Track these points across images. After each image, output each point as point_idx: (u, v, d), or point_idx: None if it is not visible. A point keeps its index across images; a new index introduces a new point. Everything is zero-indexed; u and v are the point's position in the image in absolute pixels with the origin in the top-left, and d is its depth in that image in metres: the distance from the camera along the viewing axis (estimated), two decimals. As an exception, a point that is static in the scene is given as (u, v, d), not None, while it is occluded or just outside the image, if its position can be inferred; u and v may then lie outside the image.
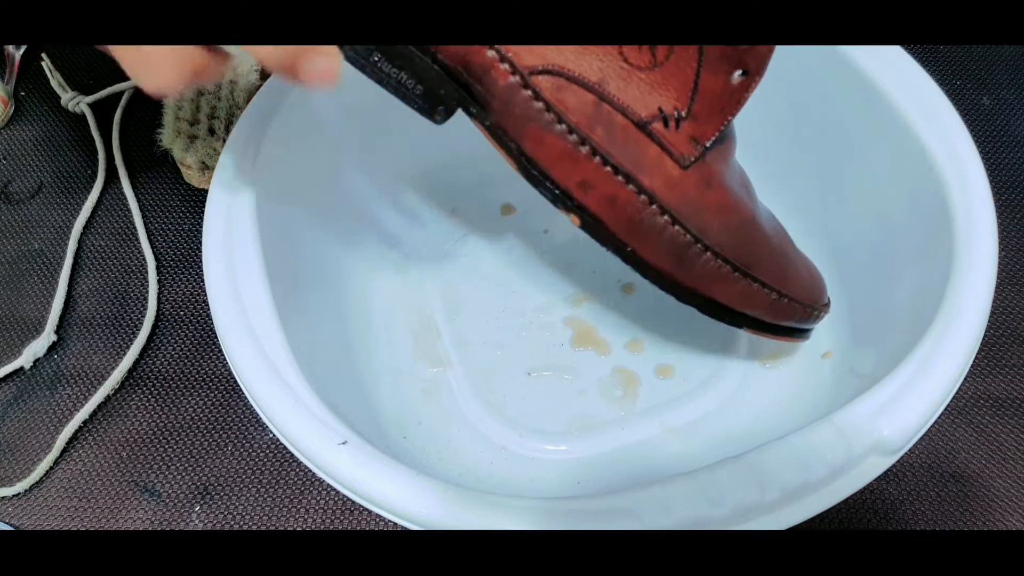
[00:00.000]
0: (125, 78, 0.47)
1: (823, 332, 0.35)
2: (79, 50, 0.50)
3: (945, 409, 0.25)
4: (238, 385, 0.27)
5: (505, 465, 0.34)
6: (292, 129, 0.33)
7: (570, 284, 0.39)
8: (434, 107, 0.25)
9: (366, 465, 0.24)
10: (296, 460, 0.28)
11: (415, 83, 0.24)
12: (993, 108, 0.46)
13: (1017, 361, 0.38)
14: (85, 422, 0.37)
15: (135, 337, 0.39)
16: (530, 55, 0.24)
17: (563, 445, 0.34)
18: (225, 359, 0.28)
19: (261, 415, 0.26)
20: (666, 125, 0.25)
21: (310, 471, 0.27)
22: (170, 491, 0.36)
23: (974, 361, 0.26)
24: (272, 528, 0.35)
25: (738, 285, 0.28)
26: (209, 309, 0.28)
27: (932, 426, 0.25)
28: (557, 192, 0.26)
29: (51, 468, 0.36)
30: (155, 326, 0.40)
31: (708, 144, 0.26)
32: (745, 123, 0.27)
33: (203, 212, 0.30)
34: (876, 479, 0.24)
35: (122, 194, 0.44)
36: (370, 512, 0.31)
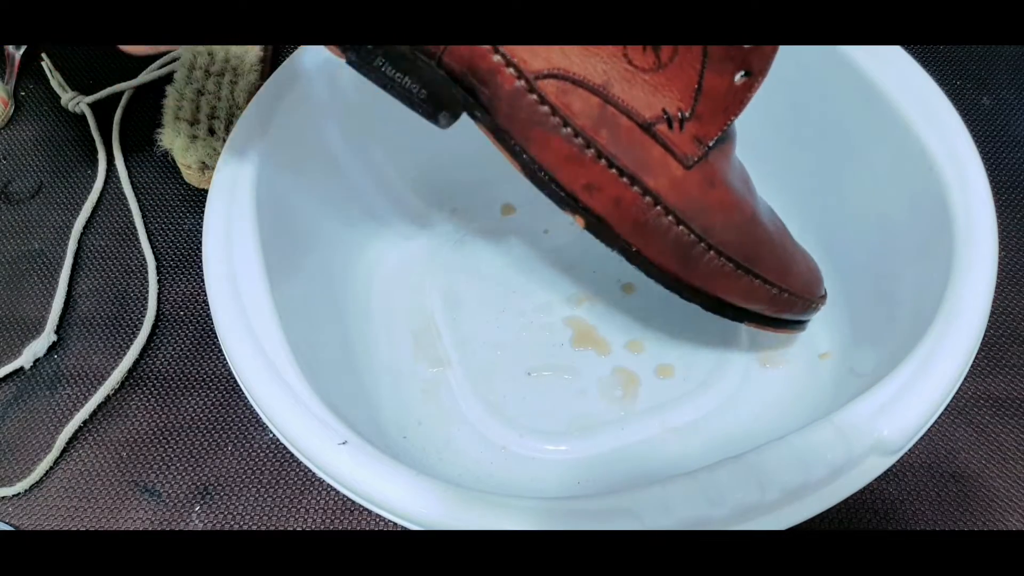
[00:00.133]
0: (125, 78, 0.48)
1: (823, 332, 0.35)
2: (79, 50, 0.50)
3: (945, 409, 0.25)
4: (238, 385, 0.27)
5: (505, 465, 0.34)
6: (292, 129, 0.33)
7: (570, 284, 0.39)
8: (439, 111, 0.25)
9: (366, 465, 0.24)
10: (296, 460, 0.28)
11: (419, 88, 0.24)
12: (993, 108, 0.46)
13: (1017, 361, 0.38)
14: (85, 422, 0.37)
15: (135, 337, 0.39)
16: (535, 59, 0.24)
17: (563, 445, 0.34)
18: (225, 359, 0.28)
19: (261, 415, 0.26)
20: (670, 126, 0.25)
21: (310, 471, 0.27)
22: (170, 491, 0.36)
23: (974, 361, 0.26)
24: (272, 528, 0.35)
25: (741, 282, 0.28)
26: (209, 309, 0.28)
27: (932, 426, 0.25)
28: (562, 194, 0.26)
29: (51, 468, 0.36)
30: (155, 326, 0.40)
31: (711, 144, 0.26)
32: (745, 123, 0.27)
33: (203, 212, 0.30)
34: (876, 479, 0.24)
35: (122, 194, 0.44)
36: (370, 512, 0.31)
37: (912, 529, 0.34)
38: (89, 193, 0.44)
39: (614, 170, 0.25)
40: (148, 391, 0.38)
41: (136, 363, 0.39)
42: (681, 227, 0.26)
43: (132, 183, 0.45)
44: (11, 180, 0.45)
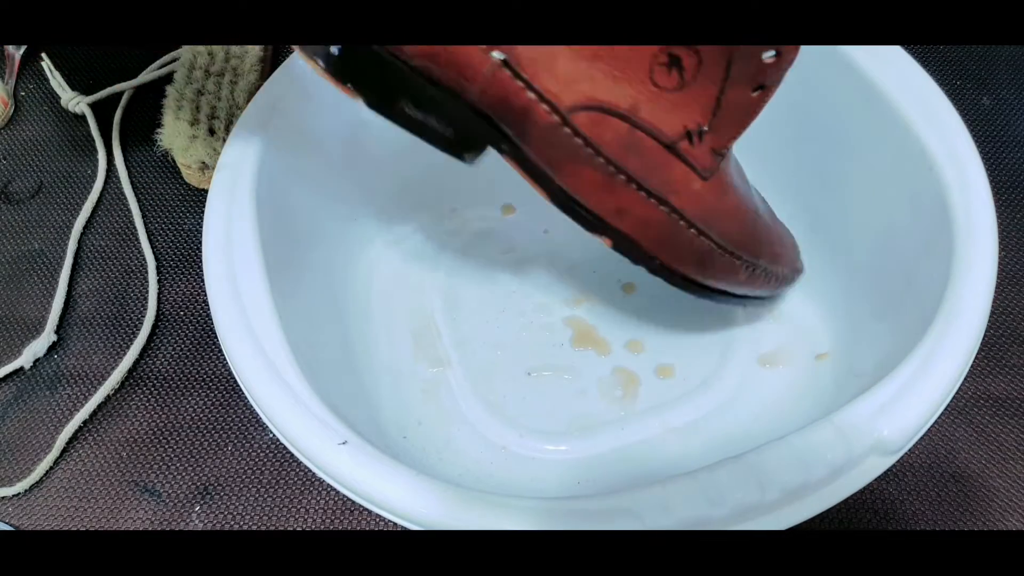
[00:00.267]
0: (125, 78, 0.48)
1: (823, 332, 0.35)
2: (79, 50, 0.50)
3: (945, 409, 0.25)
4: (238, 385, 0.27)
5: (505, 465, 0.34)
6: (292, 129, 0.33)
7: (570, 284, 0.39)
8: (465, 148, 0.25)
9: (366, 465, 0.24)
10: (296, 460, 0.28)
11: (444, 125, 0.24)
12: (993, 108, 0.46)
13: (1017, 361, 0.38)
14: (85, 422, 0.37)
15: (135, 337, 0.39)
16: (567, 93, 0.24)
17: (563, 445, 0.34)
18: (225, 359, 0.28)
19: (261, 415, 0.26)
20: (691, 142, 0.26)
21: (310, 471, 0.27)
22: (170, 491, 0.36)
23: (974, 361, 0.26)
24: (272, 528, 0.35)
25: (745, 274, 0.30)
26: (209, 309, 0.28)
27: (932, 426, 0.25)
28: (591, 219, 0.26)
29: (51, 468, 0.36)
30: (155, 326, 0.40)
31: (725, 153, 0.27)
32: (745, 123, 0.28)
33: (203, 212, 0.30)
34: (876, 479, 0.24)
35: (122, 194, 0.44)
36: (370, 512, 0.31)
37: (912, 529, 0.34)
38: (89, 193, 0.44)
39: (643, 192, 0.26)
40: (148, 391, 0.38)
41: (136, 363, 0.39)
42: (702, 237, 0.28)
43: (132, 183, 0.45)
44: (11, 180, 0.45)
